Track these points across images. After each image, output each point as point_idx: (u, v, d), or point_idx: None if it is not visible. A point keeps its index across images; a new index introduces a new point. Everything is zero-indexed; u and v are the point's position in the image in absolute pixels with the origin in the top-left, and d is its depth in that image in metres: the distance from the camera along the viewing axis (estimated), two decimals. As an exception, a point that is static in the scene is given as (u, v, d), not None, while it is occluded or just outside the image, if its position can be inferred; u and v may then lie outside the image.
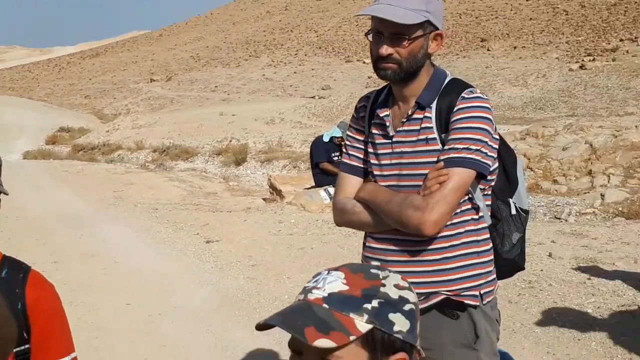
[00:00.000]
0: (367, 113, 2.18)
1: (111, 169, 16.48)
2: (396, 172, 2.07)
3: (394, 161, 2.07)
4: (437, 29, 2.02)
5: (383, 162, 2.10)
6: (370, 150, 2.15)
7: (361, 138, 2.20)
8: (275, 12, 76.36)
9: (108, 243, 7.66)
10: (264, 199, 10.57)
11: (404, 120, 2.05)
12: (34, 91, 60.70)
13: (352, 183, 2.18)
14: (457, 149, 1.95)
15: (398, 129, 2.07)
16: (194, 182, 13.30)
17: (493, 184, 2.10)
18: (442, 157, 1.96)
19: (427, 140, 2.01)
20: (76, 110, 41.75)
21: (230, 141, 20.00)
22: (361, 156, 2.19)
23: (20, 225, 8.94)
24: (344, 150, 2.30)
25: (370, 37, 2.03)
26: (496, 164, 2.08)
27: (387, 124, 2.09)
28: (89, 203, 10.94)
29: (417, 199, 1.94)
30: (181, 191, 12.02)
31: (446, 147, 1.97)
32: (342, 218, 2.17)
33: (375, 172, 2.13)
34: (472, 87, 2.06)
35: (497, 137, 2.04)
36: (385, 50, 1.97)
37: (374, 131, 2.14)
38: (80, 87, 57.66)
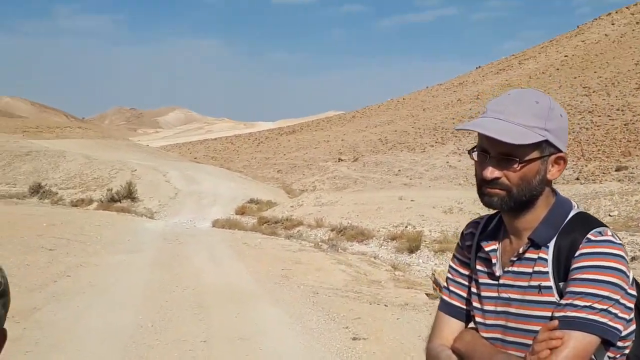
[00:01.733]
0: (474, 243, 1.82)
1: (286, 245, 16.84)
2: (502, 322, 1.69)
3: (499, 309, 1.70)
4: (558, 150, 1.66)
5: (486, 307, 1.73)
6: (474, 290, 1.78)
7: (466, 272, 1.84)
8: (466, 100, 76.12)
9: (260, 326, 7.64)
10: (427, 294, 10.13)
11: (514, 259, 1.68)
12: (233, 162, 64.98)
13: (450, 327, 1.81)
14: (577, 306, 1.54)
15: (506, 269, 1.70)
16: (361, 268, 13.13)
17: (627, 351, 1.65)
18: (557, 314, 1.56)
19: (539, 288, 1.63)
20: (267, 183, 43.91)
21: (406, 227, 19.72)
22: (464, 295, 1.82)
23: (186, 296, 9.26)
24: (443, 284, 1.95)
25: (474, 155, 1.70)
26: (632, 327, 1.63)
27: (494, 261, 1.73)
28: (256, 279, 11.14)
29: None
30: (346, 276, 11.89)
31: (563, 302, 1.57)
32: None
33: (477, 319, 1.76)
34: (602, 225, 1.64)
35: (633, 293, 1.59)
36: (491, 173, 1.63)
37: (479, 267, 1.77)
38: (274, 162, 60.83)
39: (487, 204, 1.69)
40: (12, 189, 35.17)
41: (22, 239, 13.22)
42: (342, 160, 52.78)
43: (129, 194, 29.99)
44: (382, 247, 18.05)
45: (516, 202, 1.65)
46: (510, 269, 1.69)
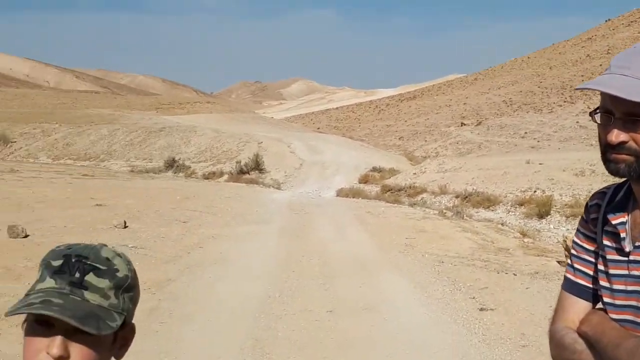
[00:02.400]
0: (600, 215, 1.64)
1: (410, 213, 16.73)
2: (633, 303, 1.51)
3: (629, 288, 1.52)
4: None
5: (615, 287, 1.56)
6: (601, 267, 1.60)
7: (591, 248, 1.65)
8: (596, 55, 71.80)
9: (384, 295, 7.65)
10: (558, 262, 9.74)
11: None
12: (355, 131, 65.18)
13: (575, 308, 1.64)
14: None
15: (637, 244, 1.52)
16: (488, 235, 12.82)
17: None
18: None
19: None
20: (389, 151, 43.73)
21: (535, 192, 19.03)
22: (590, 273, 1.64)
23: (313, 265, 9.43)
24: (568, 261, 1.80)
25: (597, 117, 1.51)
26: None
27: (623, 235, 1.54)
28: (380, 248, 11.16)
29: None
30: (472, 244, 11.65)
31: None
32: (560, 355, 1.67)
33: (605, 299, 1.59)
34: None
35: None
36: (616, 136, 1.43)
37: (606, 242, 1.59)
38: (395, 129, 60.40)
39: (613, 172, 1.50)
40: (149, 164, 37.10)
41: (157, 212, 13.92)
42: (465, 124, 51.57)
43: (257, 165, 30.84)
44: (510, 213, 17.55)
45: None
46: None
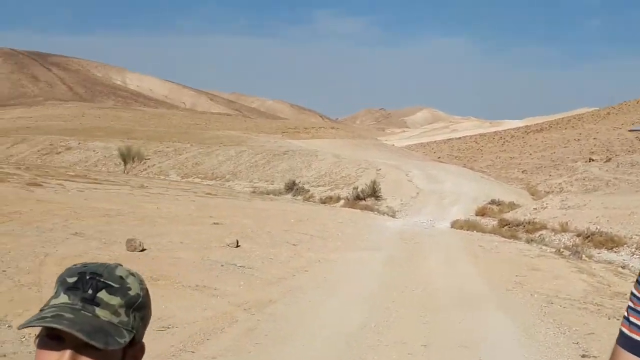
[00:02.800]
0: None
1: (525, 249, 16.17)
2: None
3: None
4: None
5: None
6: None
7: None
8: None
9: (483, 334, 7.44)
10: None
11: None
12: (477, 162, 63.94)
13: None
14: None
15: None
16: (605, 278, 12.16)
17: None
18: None
19: None
20: (511, 184, 42.52)
21: (665, 235, 17.86)
22: None
23: (414, 297, 9.33)
24: (624, 313, 1.69)
25: None
26: None
27: None
28: (488, 284, 10.87)
29: None
30: (587, 286, 11.10)
31: None
32: None
33: None
34: None
35: None
36: None
37: None
38: (519, 161, 58.72)
39: None
40: (270, 185, 38.12)
41: (270, 234, 14.28)
42: (593, 160, 49.31)
43: (373, 192, 30.93)
44: (634, 255, 16.56)
45: None
46: None
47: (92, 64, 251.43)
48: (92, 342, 1.12)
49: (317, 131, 74.29)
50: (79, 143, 55.57)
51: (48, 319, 1.14)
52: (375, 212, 25.75)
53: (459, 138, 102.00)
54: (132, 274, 1.25)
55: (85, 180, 25.13)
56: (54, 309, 1.17)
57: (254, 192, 33.69)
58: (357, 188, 31.47)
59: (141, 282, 1.26)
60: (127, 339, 1.18)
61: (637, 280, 1.64)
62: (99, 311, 1.17)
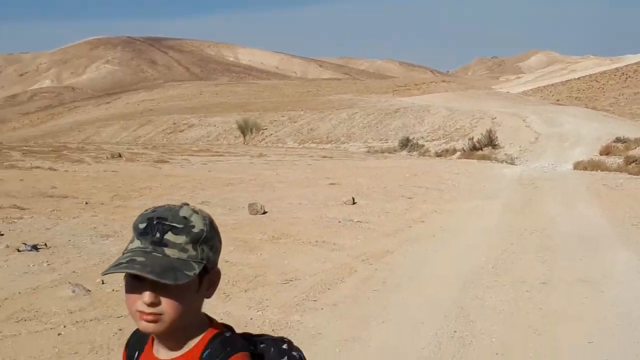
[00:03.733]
0: None
1: (653, 184, 15.47)
2: None
3: None
4: None
5: None
6: None
7: None
8: None
9: (604, 269, 7.33)
10: None
11: None
12: (598, 101, 60.80)
13: None
14: None
15: None
16: None
17: None
18: None
19: None
20: (636, 120, 40.25)
21: None
22: None
23: (533, 239, 9.27)
24: None
25: None
26: None
27: None
28: (611, 222, 10.58)
29: None
30: None
31: None
32: None
33: None
34: None
35: None
36: None
37: None
38: (647, 95, 55.35)
39: None
40: (384, 144, 38.19)
41: (385, 189, 14.47)
42: None
43: (490, 141, 30.35)
44: None
45: None
46: None
47: (205, 44, 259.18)
48: (163, 280, 1.27)
49: (427, 86, 73.28)
50: (200, 120, 57.84)
51: (123, 265, 1.29)
52: (493, 161, 25.31)
53: (578, 78, 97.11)
54: (196, 212, 1.38)
55: (208, 154, 26.28)
56: (129, 254, 1.33)
57: (368, 151, 33.91)
58: (472, 138, 30.98)
59: (204, 218, 1.38)
60: (197, 270, 1.33)
61: None
62: (167, 251, 1.31)
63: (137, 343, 1.51)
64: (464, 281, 6.89)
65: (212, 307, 5.73)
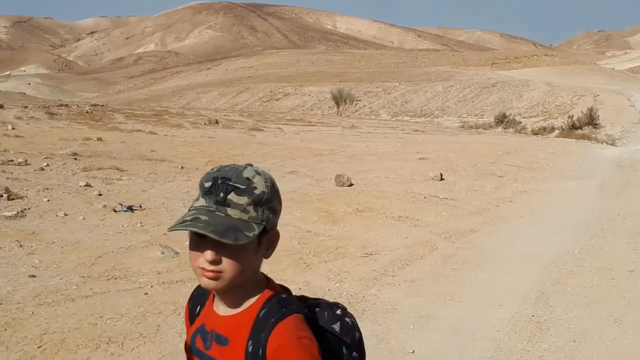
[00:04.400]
0: None
1: None
2: None
3: None
4: None
5: None
6: None
7: None
8: None
9: (700, 261, 7.02)
10: None
11: None
12: None
13: None
14: None
15: None
16: None
17: None
18: None
19: None
20: None
21: None
22: None
23: (626, 224, 8.98)
24: None
25: None
26: None
27: None
28: None
29: None
30: None
31: None
32: None
33: None
34: None
35: None
36: None
37: None
38: None
39: None
40: (480, 119, 37.46)
41: (475, 166, 14.25)
42: None
43: (591, 120, 29.25)
44: None
45: None
46: None
47: (304, 11, 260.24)
48: (224, 240, 1.32)
49: (529, 60, 70.93)
50: (295, 89, 58.43)
51: (187, 223, 1.35)
52: (592, 141, 24.38)
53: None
54: (259, 174, 1.41)
55: (301, 124, 26.62)
56: (194, 211, 1.39)
57: (462, 127, 33.37)
58: (572, 117, 29.90)
59: (266, 180, 1.42)
60: (257, 231, 1.37)
61: None
62: (230, 211, 1.36)
63: (199, 298, 1.59)
64: (547, 265, 6.77)
65: (292, 275, 5.93)
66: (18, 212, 7.27)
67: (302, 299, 1.56)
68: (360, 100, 49.79)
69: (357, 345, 1.53)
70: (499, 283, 6.14)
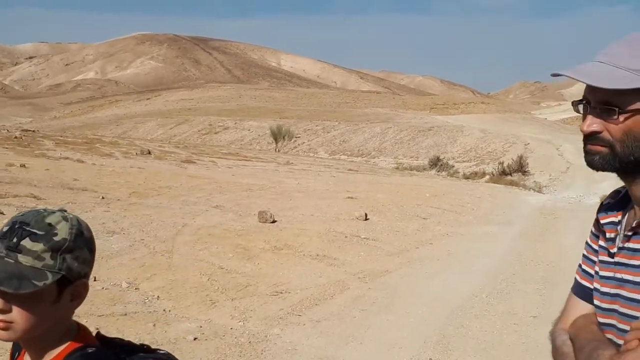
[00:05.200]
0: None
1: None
2: (616, 307, 1.44)
3: (613, 291, 1.45)
4: None
5: (603, 289, 1.49)
6: (597, 268, 1.54)
7: (597, 247, 1.58)
8: None
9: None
10: None
11: (629, 233, 1.43)
12: None
13: (577, 310, 1.59)
14: None
15: (621, 245, 1.45)
16: None
17: None
18: None
19: None
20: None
21: None
22: (593, 273, 1.56)
23: (537, 270, 9.17)
24: (579, 262, 1.74)
25: (580, 107, 1.43)
26: None
27: (609, 235, 1.49)
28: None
29: (603, 357, 1.37)
30: None
31: None
32: (554, 356, 1.68)
33: (595, 302, 1.53)
34: None
35: None
36: (588, 126, 1.38)
37: (601, 243, 1.54)
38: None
39: (589, 164, 1.45)
40: (414, 161, 38.08)
41: (401, 208, 14.42)
42: None
43: (520, 167, 30.09)
44: None
45: (622, 161, 1.38)
46: (625, 244, 1.45)
47: (250, 47, 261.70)
48: (3, 288, 1.25)
49: (466, 106, 72.89)
50: (235, 123, 58.39)
51: None
52: (521, 188, 25.04)
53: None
54: (66, 220, 1.34)
55: (236, 158, 26.54)
56: None
57: (397, 168, 33.86)
58: (502, 163, 30.73)
59: (72, 227, 1.34)
60: (50, 280, 1.29)
61: (591, 231, 1.70)
62: (21, 257, 1.28)
63: (18, 345, 1.50)
64: (454, 308, 6.85)
65: (195, 312, 5.82)
66: None
67: (135, 349, 1.47)
68: (299, 137, 50.08)
69: None
70: (403, 325, 6.16)
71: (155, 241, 8.52)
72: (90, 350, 1.37)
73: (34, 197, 10.78)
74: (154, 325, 5.38)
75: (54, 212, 1.36)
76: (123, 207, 11.02)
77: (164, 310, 5.83)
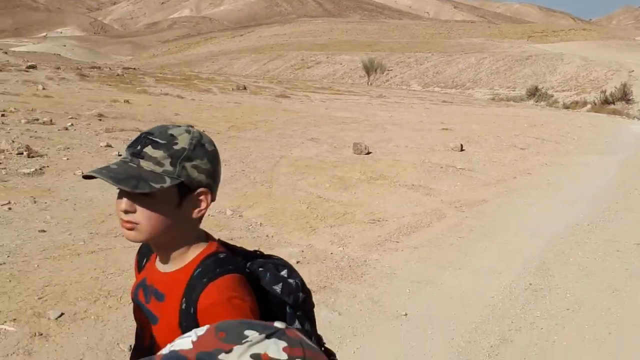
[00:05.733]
0: None
1: None
2: None
3: None
4: None
5: None
6: None
7: None
8: None
9: None
10: None
11: None
12: None
13: None
14: None
15: None
16: None
17: None
18: None
19: None
20: None
21: None
22: None
23: (638, 201, 8.89)
24: None
25: None
26: None
27: None
28: None
29: None
30: None
31: None
32: None
33: None
34: None
35: None
36: None
37: None
38: None
39: None
40: (511, 92, 36.98)
41: (498, 138, 14.16)
42: None
43: (624, 95, 28.72)
44: None
45: None
46: None
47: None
48: (120, 186, 1.32)
49: (566, 34, 69.51)
50: (327, 57, 58.19)
51: (95, 170, 1.34)
52: (624, 116, 23.98)
53: None
54: (188, 132, 1.40)
55: (329, 92, 26.58)
56: (113, 162, 1.40)
57: (493, 99, 33.02)
58: (605, 91, 29.35)
59: (193, 138, 1.39)
60: (168, 184, 1.35)
61: None
62: (143, 162, 1.35)
63: (145, 251, 1.61)
64: (553, 236, 6.77)
65: (296, 238, 6.04)
66: (36, 170, 7.47)
67: (251, 255, 1.56)
68: (391, 70, 49.45)
69: (302, 306, 1.53)
70: (501, 252, 6.16)
71: (255, 172, 8.78)
72: (221, 256, 1.46)
73: (139, 131, 11.22)
74: (258, 249, 5.61)
75: (179, 127, 1.43)
76: (223, 140, 11.34)
77: (267, 235, 6.07)
